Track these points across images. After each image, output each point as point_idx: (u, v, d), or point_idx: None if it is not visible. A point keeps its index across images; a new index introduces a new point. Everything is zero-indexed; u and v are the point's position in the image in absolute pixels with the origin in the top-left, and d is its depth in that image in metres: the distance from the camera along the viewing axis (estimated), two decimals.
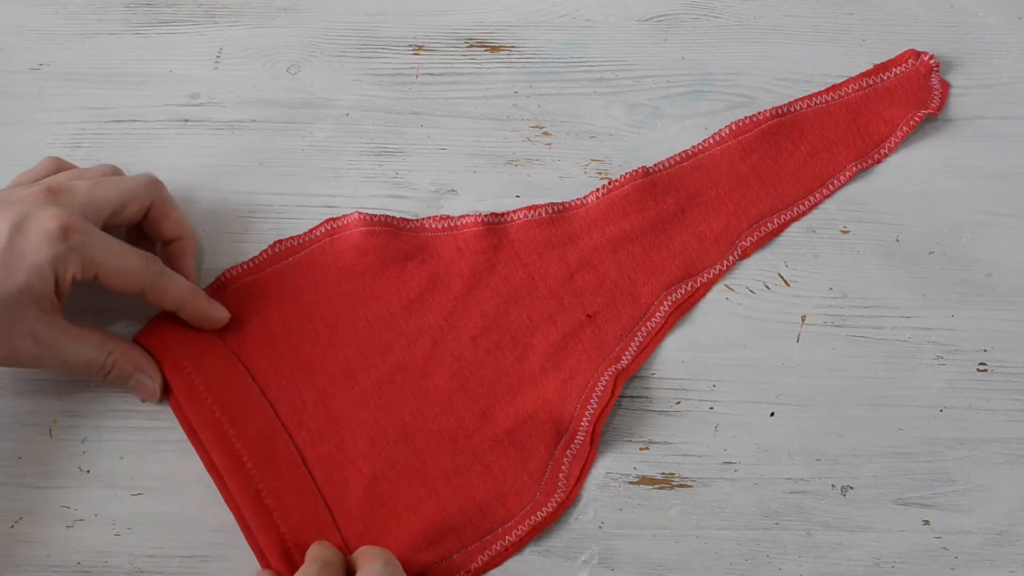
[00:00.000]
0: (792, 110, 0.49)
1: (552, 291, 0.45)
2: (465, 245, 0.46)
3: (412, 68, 0.51)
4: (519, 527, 0.41)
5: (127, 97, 0.49)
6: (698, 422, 0.43)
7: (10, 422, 0.42)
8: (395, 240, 0.45)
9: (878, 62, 0.51)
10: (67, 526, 0.41)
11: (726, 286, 0.46)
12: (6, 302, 0.36)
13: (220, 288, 0.44)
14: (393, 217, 0.46)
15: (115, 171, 0.44)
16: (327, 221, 0.46)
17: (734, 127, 0.49)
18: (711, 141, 0.49)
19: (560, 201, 0.47)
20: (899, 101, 0.49)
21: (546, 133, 0.49)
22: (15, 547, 0.40)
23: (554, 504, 0.41)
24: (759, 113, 0.49)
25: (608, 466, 0.43)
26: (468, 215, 0.46)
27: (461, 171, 0.48)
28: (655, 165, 0.48)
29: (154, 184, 0.43)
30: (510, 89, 0.50)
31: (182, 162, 0.48)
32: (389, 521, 0.41)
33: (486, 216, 0.46)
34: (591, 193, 0.47)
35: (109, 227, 0.41)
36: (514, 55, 0.51)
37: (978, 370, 0.44)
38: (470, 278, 0.45)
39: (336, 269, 0.45)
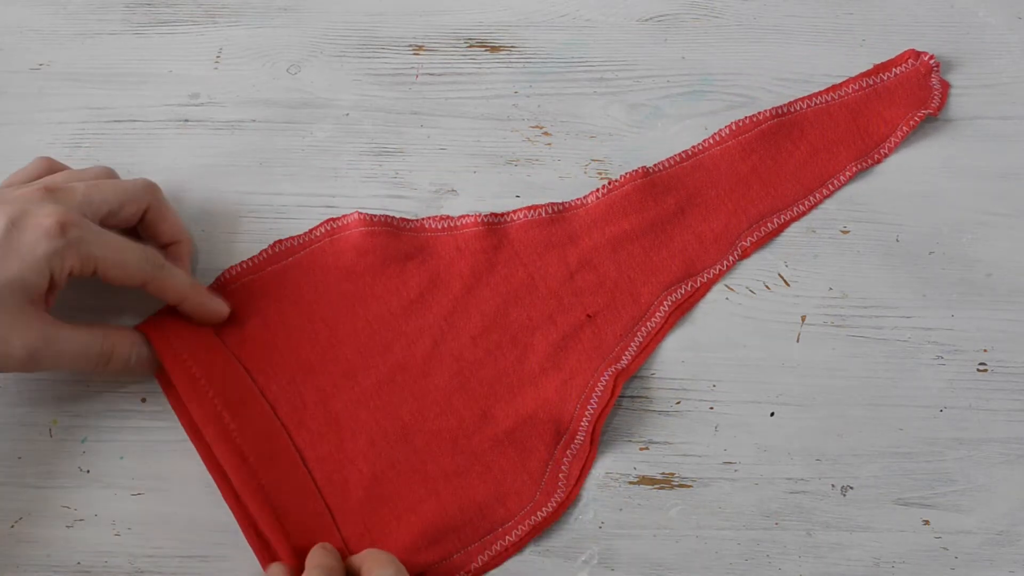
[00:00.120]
0: (792, 110, 0.49)
1: (552, 291, 0.45)
2: (465, 245, 0.46)
3: (412, 68, 0.51)
4: (519, 527, 0.41)
5: (127, 97, 0.49)
6: (698, 422, 0.43)
7: (10, 422, 0.42)
8: (395, 240, 0.45)
9: (878, 62, 0.50)
10: (67, 526, 0.41)
11: (726, 286, 0.46)
12: None
13: (220, 288, 0.44)
14: (393, 217, 0.46)
15: (109, 173, 0.44)
16: (327, 221, 0.46)
17: (734, 127, 0.49)
18: (711, 141, 0.49)
19: (560, 201, 0.47)
20: (899, 101, 0.49)
21: (546, 133, 0.49)
22: (15, 547, 0.40)
23: (554, 504, 0.41)
24: (759, 113, 0.49)
25: (608, 466, 0.43)
26: (468, 215, 0.46)
27: (461, 171, 0.48)
28: (655, 165, 0.48)
29: (151, 187, 0.43)
30: (510, 89, 0.50)
31: (182, 162, 0.48)
32: (389, 521, 0.41)
33: (486, 216, 0.46)
34: (591, 193, 0.47)
35: (106, 229, 0.41)
36: (514, 55, 0.51)
37: (978, 370, 0.44)
38: (470, 278, 0.45)
39: (336, 269, 0.45)
